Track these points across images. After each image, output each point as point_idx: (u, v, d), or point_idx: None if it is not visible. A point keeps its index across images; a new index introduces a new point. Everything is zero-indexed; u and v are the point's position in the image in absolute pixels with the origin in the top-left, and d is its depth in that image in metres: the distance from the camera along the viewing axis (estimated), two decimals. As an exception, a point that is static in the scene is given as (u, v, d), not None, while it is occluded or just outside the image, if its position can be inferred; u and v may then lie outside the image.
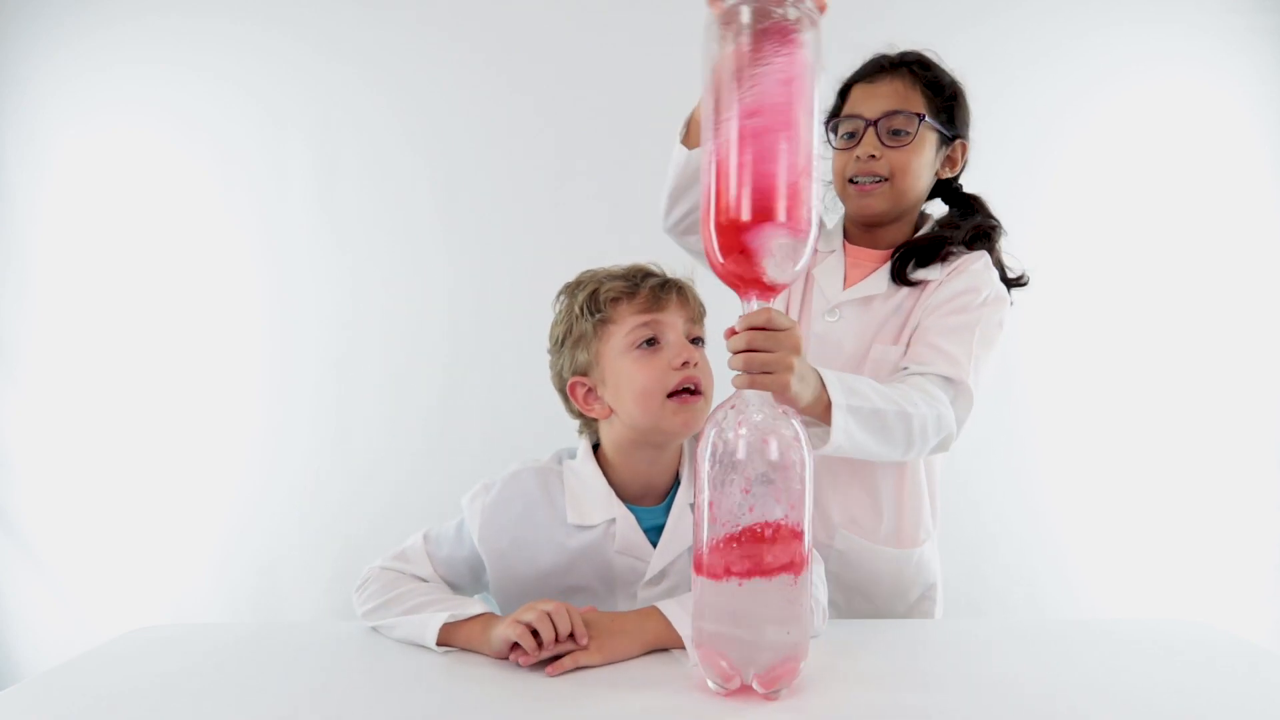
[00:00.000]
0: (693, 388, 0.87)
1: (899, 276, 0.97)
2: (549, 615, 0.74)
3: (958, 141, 1.00)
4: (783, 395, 0.70)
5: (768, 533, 0.64)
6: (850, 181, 0.97)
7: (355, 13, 1.49)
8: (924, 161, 0.96)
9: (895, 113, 0.94)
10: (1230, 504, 1.47)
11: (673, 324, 0.88)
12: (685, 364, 0.86)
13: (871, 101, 0.96)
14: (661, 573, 0.90)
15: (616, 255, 1.44)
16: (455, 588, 0.93)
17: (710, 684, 0.67)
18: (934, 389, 0.88)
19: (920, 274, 0.96)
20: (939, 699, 0.68)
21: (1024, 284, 1.01)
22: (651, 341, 0.88)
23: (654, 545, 0.91)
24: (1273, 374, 1.47)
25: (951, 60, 1.45)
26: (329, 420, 1.52)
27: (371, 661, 0.79)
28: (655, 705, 0.67)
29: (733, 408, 0.68)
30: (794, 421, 0.67)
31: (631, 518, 0.91)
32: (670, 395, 0.86)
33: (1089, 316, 1.46)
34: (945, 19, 1.45)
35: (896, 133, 0.95)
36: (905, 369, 0.92)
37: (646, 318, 0.88)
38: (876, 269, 1.00)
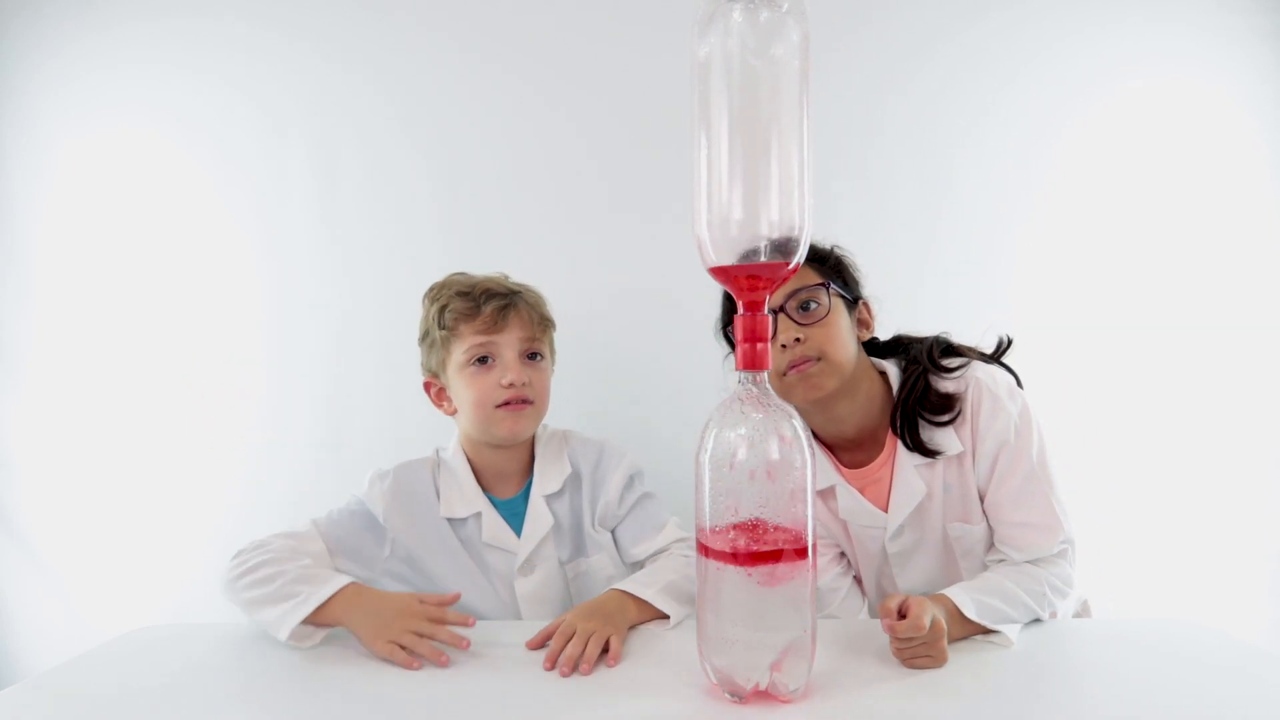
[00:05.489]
0: (520, 400, 0.98)
1: (915, 446, 0.94)
2: (419, 634, 0.80)
3: (860, 303, 0.99)
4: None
5: (771, 531, 0.64)
6: (784, 375, 0.91)
7: (357, 15, 1.49)
8: (845, 328, 0.94)
9: (798, 290, 0.91)
10: (1230, 504, 1.47)
11: (508, 343, 0.99)
12: (511, 384, 0.97)
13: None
14: (529, 561, 1.00)
15: (618, 259, 1.45)
16: (347, 570, 0.96)
17: (726, 695, 0.67)
18: (1054, 578, 0.88)
19: (938, 440, 0.93)
20: (943, 700, 0.68)
21: (1009, 347, 0.99)
22: (485, 359, 0.99)
23: (517, 534, 1.01)
24: (1272, 374, 1.47)
25: (948, 59, 1.46)
26: (328, 421, 1.52)
27: (373, 661, 0.80)
28: (667, 712, 0.66)
29: (732, 406, 0.68)
30: (794, 421, 0.67)
31: (494, 510, 1.01)
32: (499, 405, 0.98)
33: (1086, 315, 1.46)
34: (942, 18, 1.46)
35: (806, 307, 0.91)
36: (1008, 559, 0.92)
37: (483, 339, 0.98)
38: (889, 470, 0.97)
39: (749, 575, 0.64)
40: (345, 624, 0.83)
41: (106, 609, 1.53)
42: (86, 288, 1.54)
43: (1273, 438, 1.47)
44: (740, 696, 0.66)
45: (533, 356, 1.02)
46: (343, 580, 0.85)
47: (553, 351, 1.08)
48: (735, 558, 0.64)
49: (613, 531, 1.06)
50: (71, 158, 1.54)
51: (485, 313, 0.98)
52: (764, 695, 0.66)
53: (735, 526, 0.65)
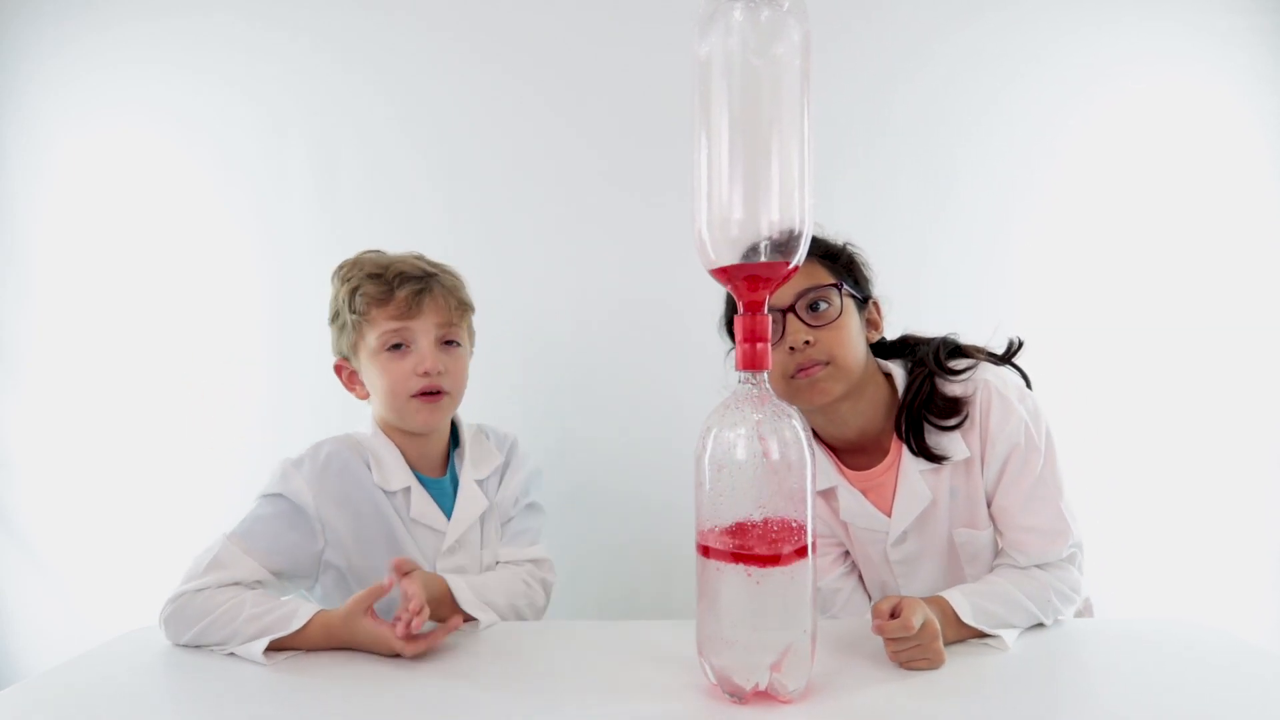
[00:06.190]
0: (435, 390, 0.95)
1: (921, 450, 0.92)
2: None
3: (870, 302, 0.97)
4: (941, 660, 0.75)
5: (771, 532, 0.64)
6: (793, 378, 0.89)
7: (357, 15, 1.49)
8: (855, 330, 0.92)
9: (808, 290, 0.89)
10: (1234, 504, 1.46)
11: (424, 329, 0.95)
12: (426, 373, 0.94)
13: (779, 289, 0.91)
14: (458, 542, 0.98)
15: (621, 259, 1.45)
16: (287, 576, 0.92)
17: (726, 695, 0.67)
18: (1060, 584, 0.87)
19: (944, 445, 0.91)
20: (942, 700, 0.68)
21: (1019, 348, 0.97)
22: (400, 346, 0.95)
23: (445, 514, 0.99)
24: (1272, 373, 1.47)
25: (947, 58, 1.46)
26: (329, 422, 1.50)
27: (372, 660, 0.79)
28: (667, 712, 0.66)
29: (732, 407, 0.67)
30: (795, 421, 0.67)
31: (422, 488, 0.99)
32: (414, 395, 0.94)
33: (1085, 315, 1.45)
34: (940, 16, 1.45)
35: (815, 308, 0.89)
36: (1014, 563, 0.90)
37: (397, 324, 0.94)
38: (894, 474, 0.95)
39: (749, 575, 0.64)
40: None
41: (106, 609, 1.53)
42: (86, 288, 1.54)
43: (1275, 437, 1.47)
44: (740, 697, 0.66)
45: (449, 343, 0.98)
46: (305, 617, 0.82)
47: (472, 337, 1.05)
48: (735, 558, 0.64)
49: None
50: (71, 158, 1.54)
51: (399, 297, 0.94)
52: (764, 695, 0.66)
53: (735, 526, 0.65)
